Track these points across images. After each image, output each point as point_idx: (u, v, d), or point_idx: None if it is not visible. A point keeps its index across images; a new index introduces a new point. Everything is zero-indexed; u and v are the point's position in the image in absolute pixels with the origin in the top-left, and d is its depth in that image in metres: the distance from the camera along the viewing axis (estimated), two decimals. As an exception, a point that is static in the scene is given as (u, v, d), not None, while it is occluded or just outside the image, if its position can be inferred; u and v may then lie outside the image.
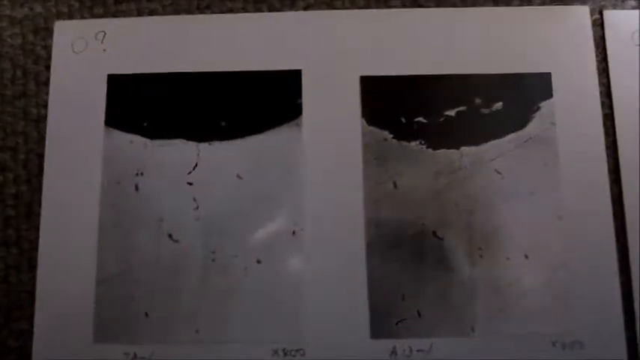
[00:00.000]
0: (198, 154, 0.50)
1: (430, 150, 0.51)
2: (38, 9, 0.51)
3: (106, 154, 0.49)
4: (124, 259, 0.48)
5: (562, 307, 0.47)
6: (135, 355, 0.48)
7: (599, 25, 0.51)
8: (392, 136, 0.51)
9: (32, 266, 0.49)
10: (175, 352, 0.46)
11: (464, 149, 0.49)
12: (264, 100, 0.50)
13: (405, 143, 0.50)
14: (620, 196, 0.48)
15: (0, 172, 0.49)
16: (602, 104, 0.49)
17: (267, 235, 0.49)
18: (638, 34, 0.52)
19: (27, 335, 0.48)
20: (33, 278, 0.48)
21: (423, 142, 0.50)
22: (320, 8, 0.51)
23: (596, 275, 0.47)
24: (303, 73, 0.49)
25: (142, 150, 0.49)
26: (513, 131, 0.49)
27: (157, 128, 0.49)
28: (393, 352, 0.48)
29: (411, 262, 0.48)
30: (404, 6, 0.51)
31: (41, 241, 0.49)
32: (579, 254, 0.47)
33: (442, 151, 0.50)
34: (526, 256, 0.49)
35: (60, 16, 0.51)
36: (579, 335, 0.47)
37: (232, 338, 0.46)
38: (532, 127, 0.50)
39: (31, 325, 0.48)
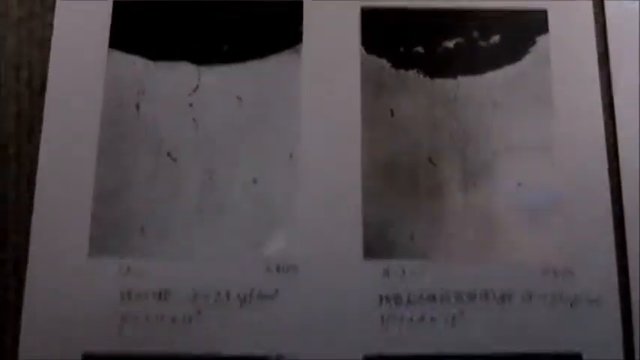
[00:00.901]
0: (199, 77, 0.48)
1: (427, 79, 0.48)
2: None
3: (108, 74, 0.47)
4: (123, 175, 0.45)
5: (553, 237, 0.45)
6: (129, 269, 0.47)
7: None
8: (390, 64, 0.49)
9: (31, 181, 0.49)
10: (169, 267, 0.45)
11: (460, 79, 0.49)
12: (265, 27, 0.48)
13: (402, 72, 0.48)
14: (614, 127, 0.47)
15: (3, 89, 0.49)
16: (597, 42, 0.48)
17: (263, 156, 0.49)
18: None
19: (22, 248, 0.48)
20: (31, 192, 0.48)
21: (420, 71, 0.48)
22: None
23: (587, 204, 0.46)
24: (304, 1, 0.48)
25: (144, 71, 0.47)
26: (509, 64, 0.48)
27: (160, 50, 0.48)
28: (386, 273, 0.46)
29: (406, 186, 0.46)
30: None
31: (41, 156, 0.48)
32: (571, 183, 0.46)
33: (439, 80, 0.49)
34: (519, 184, 0.49)
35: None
36: (570, 265, 0.45)
37: (226, 254, 0.45)
38: (528, 61, 0.48)
39: (27, 238, 0.48)
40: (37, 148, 0.47)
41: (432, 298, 0.45)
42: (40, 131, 0.47)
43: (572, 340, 0.44)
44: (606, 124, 0.47)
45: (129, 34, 0.48)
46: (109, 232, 0.45)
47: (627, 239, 0.45)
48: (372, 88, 0.48)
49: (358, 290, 0.44)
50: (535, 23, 0.49)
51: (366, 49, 0.48)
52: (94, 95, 0.47)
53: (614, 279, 0.45)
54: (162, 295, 0.45)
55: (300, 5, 0.49)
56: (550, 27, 0.48)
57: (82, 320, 0.44)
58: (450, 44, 0.48)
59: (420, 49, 0.48)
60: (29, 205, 0.46)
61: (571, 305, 0.45)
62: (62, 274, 0.45)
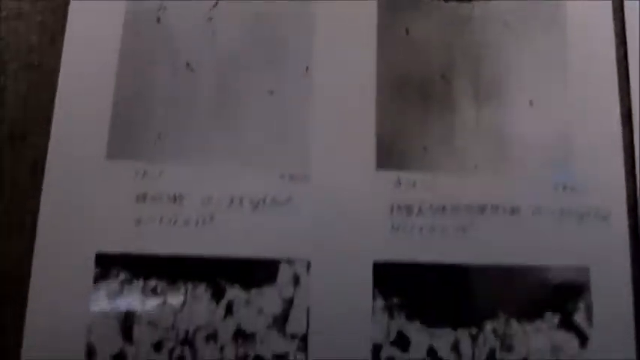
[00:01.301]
0: (218, -7, 0.51)
1: (442, 2, 0.50)
2: None
3: (130, -12, 0.51)
4: (142, 83, 0.45)
5: (563, 153, 0.45)
6: (145, 172, 0.48)
7: None
8: None
9: (52, 87, 0.49)
10: (184, 172, 0.44)
11: (475, 2, 0.49)
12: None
13: None
14: (624, 42, 0.47)
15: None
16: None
17: (279, 69, 0.48)
18: None
19: (42, 149, 0.49)
20: (52, 96, 0.49)
21: None
22: None
23: (598, 122, 0.46)
24: None
25: (165, -14, 0.51)
26: None
27: (181, -33, 0.52)
28: (397, 183, 0.46)
29: (419, 100, 0.46)
30: None
31: (63, 64, 0.49)
32: (582, 102, 0.46)
33: (453, 3, 0.48)
34: (530, 103, 0.49)
35: None
36: (579, 181, 0.45)
37: (241, 162, 0.45)
38: None
39: (46, 141, 0.48)
40: (59, 56, 0.48)
41: (443, 209, 0.45)
42: (62, 40, 0.48)
43: (580, 254, 0.44)
44: (617, 47, 0.47)
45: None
46: (127, 137, 0.46)
47: (636, 159, 0.46)
48: (388, 8, 0.48)
49: (370, 199, 0.44)
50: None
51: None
52: (116, 7, 0.48)
53: (622, 195, 0.45)
54: (176, 199, 0.45)
55: None
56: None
57: (97, 221, 0.44)
58: (466, -32, 0.49)
59: (435, -28, 0.49)
60: (50, 108, 0.47)
61: (579, 220, 0.45)
62: (80, 177, 0.45)
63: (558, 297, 0.43)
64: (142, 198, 0.44)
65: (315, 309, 0.43)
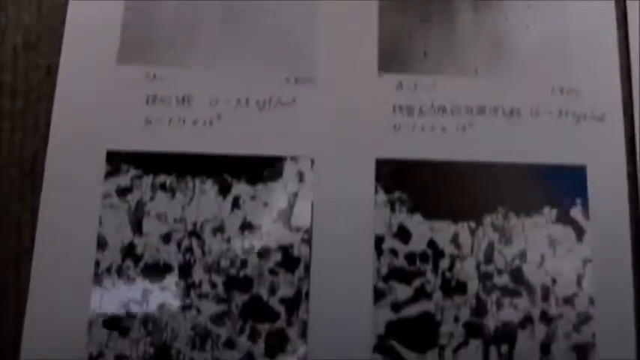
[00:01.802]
0: None
1: None
2: None
3: None
4: None
5: (562, 57, 0.45)
6: (154, 75, 0.49)
7: None
8: None
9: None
10: (193, 74, 0.44)
11: None
12: None
13: None
14: None
15: None
16: None
17: None
18: None
19: (55, 55, 0.50)
20: (64, 10, 0.50)
21: None
22: None
23: (595, 26, 0.46)
24: None
25: None
26: None
27: None
28: (399, 86, 0.45)
29: (420, 5, 0.46)
30: None
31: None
32: (580, 5, 0.46)
33: None
34: (529, 6, 0.46)
35: None
36: (576, 84, 0.45)
37: (247, 65, 0.45)
38: None
39: (59, 46, 0.51)
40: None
41: (443, 109, 0.46)
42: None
43: (577, 154, 0.45)
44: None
45: None
46: (138, 42, 0.46)
47: (632, 60, 0.46)
48: None
49: (372, 101, 0.44)
50: None
51: None
52: None
53: (618, 97, 0.46)
54: (185, 100, 0.46)
55: None
56: None
57: (108, 121, 0.45)
58: None
59: None
60: (62, 16, 0.48)
61: (577, 121, 0.46)
62: (91, 81, 0.45)
63: (556, 193, 0.44)
64: (151, 99, 0.45)
65: (318, 203, 0.43)
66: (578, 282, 0.42)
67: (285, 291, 0.42)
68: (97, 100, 0.45)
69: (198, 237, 0.43)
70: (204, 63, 0.46)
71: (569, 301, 0.42)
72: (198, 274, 0.42)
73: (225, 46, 0.46)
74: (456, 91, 0.45)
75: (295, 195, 0.43)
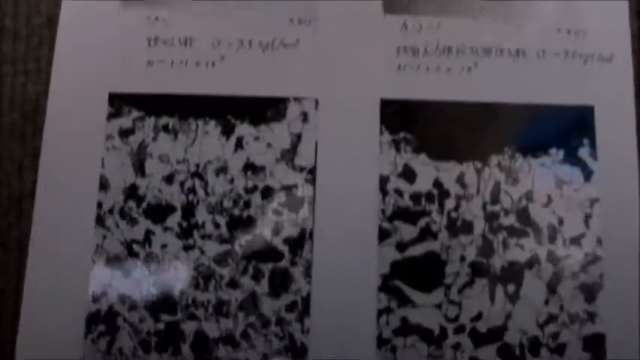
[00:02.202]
0: None
1: None
2: None
3: None
4: None
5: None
6: (156, 17, 0.44)
7: None
8: None
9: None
10: (194, 16, 0.44)
11: None
12: None
13: None
14: None
15: None
16: None
17: None
18: None
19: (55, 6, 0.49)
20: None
21: None
22: None
23: None
24: None
25: None
26: None
27: None
28: (404, 27, 0.43)
29: None
30: None
31: None
32: None
33: None
34: None
35: None
36: (584, 24, 0.43)
37: (250, 7, 0.44)
38: None
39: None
40: None
41: (449, 50, 0.45)
42: None
43: (585, 95, 0.44)
44: None
45: None
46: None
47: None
48: None
49: (376, 42, 0.43)
50: None
51: None
52: None
53: (627, 37, 0.45)
54: (187, 42, 0.45)
55: None
56: None
57: (109, 63, 0.45)
58: None
59: None
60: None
61: (584, 62, 0.45)
62: (92, 23, 0.45)
63: (563, 134, 0.43)
64: (153, 41, 0.44)
65: (322, 144, 0.43)
66: (586, 222, 0.42)
67: (289, 231, 0.41)
68: (98, 43, 0.44)
69: (201, 178, 0.42)
70: (206, 4, 0.45)
71: (576, 241, 0.41)
72: (201, 214, 0.42)
73: (227, -13, 0.45)
74: (461, 31, 0.44)
75: (299, 136, 0.43)
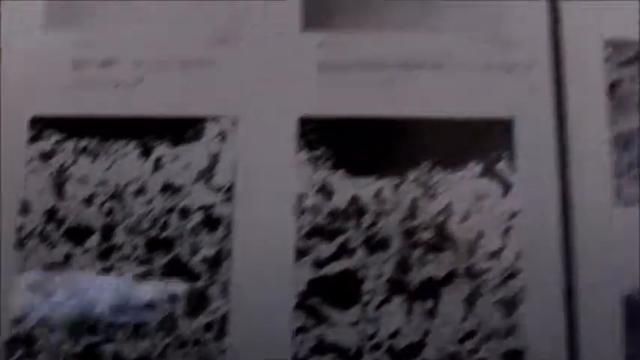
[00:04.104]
0: None
1: None
2: None
3: None
4: None
5: (490, 7, 0.43)
6: (79, 40, 0.43)
7: None
8: None
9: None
10: (116, 37, 0.43)
11: None
12: None
13: None
14: None
15: None
16: None
17: None
18: None
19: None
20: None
21: None
22: None
23: None
24: None
25: None
26: None
27: None
28: (323, 42, 0.42)
29: None
30: None
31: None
32: None
33: None
34: None
35: None
36: (504, 35, 0.42)
37: (170, 26, 0.43)
38: None
39: None
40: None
41: (368, 65, 0.43)
42: None
43: (505, 106, 0.42)
44: None
45: None
46: (62, 8, 0.46)
47: (560, 12, 0.44)
48: None
49: (295, 58, 0.42)
50: None
51: None
52: None
53: (547, 48, 0.44)
54: (109, 63, 0.44)
55: None
56: None
57: (33, 86, 0.44)
58: None
59: None
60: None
61: (503, 73, 0.43)
62: (17, 46, 0.45)
63: (482, 147, 0.42)
64: (76, 63, 0.44)
65: (241, 163, 0.42)
66: (505, 236, 0.41)
67: (207, 251, 0.41)
68: (22, 65, 0.44)
69: (120, 199, 0.42)
70: (128, 24, 0.44)
71: (495, 255, 0.40)
72: (119, 236, 0.41)
73: (148, 5, 0.44)
74: (381, 45, 0.43)
75: (217, 155, 0.42)
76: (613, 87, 0.43)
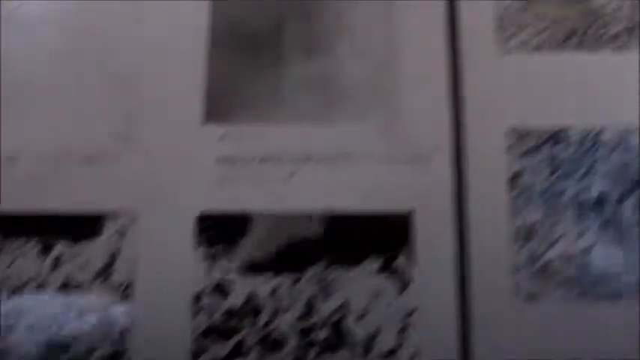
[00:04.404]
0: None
1: None
2: None
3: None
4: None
5: (389, 102, 0.43)
6: None
7: None
8: None
9: None
10: (19, 132, 0.43)
11: None
12: None
13: None
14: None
15: None
16: None
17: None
18: None
19: None
20: None
21: None
22: None
23: (425, 75, 0.44)
24: None
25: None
26: None
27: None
28: (224, 136, 0.42)
29: (251, 53, 0.44)
30: None
31: None
32: (408, 45, 0.44)
33: None
34: (358, 52, 0.44)
35: None
36: (404, 128, 0.42)
37: (73, 121, 0.43)
38: None
39: None
40: None
41: (268, 159, 0.44)
42: None
43: (404, 199, 0.42)
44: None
45: None
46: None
47: (460, 101, 0.44)
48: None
49: (196, 153, 0.42)
50: None
51: None
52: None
53: (447, 139, 0.43)
54: (10, 159, 0.44)
55: None
56: None
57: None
58: None
59: None
60: None
61: (404, 165, 0.43)
62: None
63: (381, 242, 0.41)
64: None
65: (140, 259, 0.41)
66: (402, 333, 0.40)
67: (104, 350, 0.41)
68: None
69: (19, 297, 0.41)
70: (29, 119, 0.44)
71: (392, 353, 0.40)
72: (17, 335, 0.41)
73: (50, 98, 0.44)
74: (281, 139, 0.43)
75: (116, 253, 0.42)
76: (515, 178, 0.42)
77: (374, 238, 0.41)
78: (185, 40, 0.44)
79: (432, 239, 0.41)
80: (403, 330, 0.40)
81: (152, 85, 0.44)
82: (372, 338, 0.40)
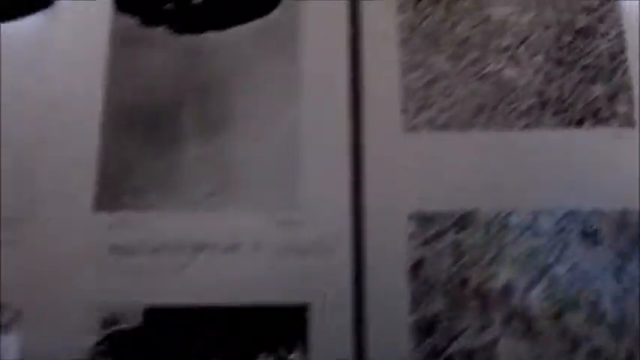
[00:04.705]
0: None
1: (175, 34, 0.45)
2: None
3: None
4: None
5: (289, 189, 0.42)
6: None
7: None
8: (140, 21, 0.45)
9: None
10: None
11: (207, 34, 0.45)
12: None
13: (152, 28, 0.45)
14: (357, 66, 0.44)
15: None
16: None
17: None
18: None
19: None
20: None
21: (169, 28, 0.45)
22: None
23: (324, 157, 0.42)
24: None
25: None
26: (259, 17, 0.45)
27: None
28: (116, 225, 0.41)
29: (145, 137, 0.43)
30: None
31: None
32: (311, 133, 0.43)
33: (187, 36, 0.45)
34: (258, 136, 0.42)
35: None
36: (303, 216, 0.41)
37: None
38: (276, 14, 0.45)
39: None
40: None
41: (160, 249, 0.41)
42: None
43: (301, 292, 0.40)
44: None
45: None
46: None
47: (362, 193, 0.42)
48: (122, 43, 0.46)
49: (86, 243, 0.41)
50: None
51: (118, 7, 0.47)
52: None
53: (347, 230, 0.41)
54: None
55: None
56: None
57: None
58: (199, 0, 0.46)
59: (170, 5, 0.47)
60: None
61: (301, 256, 0.41)
62: None
63: (274, 337, 0.40)
64: None
65: (25, 358, 0.40)
66: None
67: None
68: None
69: None
70: None
71: None
72: None
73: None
74: (175, 227, 0.41)
75: (-1, 350, 0.40)
76: (416, 266, 0.40)
77: (267, 332, 0.39)
78: (78, 126, 0.43)
79: (328, 333, 0.39)
80: None
81: (45, 173, 0.42)
82: None
